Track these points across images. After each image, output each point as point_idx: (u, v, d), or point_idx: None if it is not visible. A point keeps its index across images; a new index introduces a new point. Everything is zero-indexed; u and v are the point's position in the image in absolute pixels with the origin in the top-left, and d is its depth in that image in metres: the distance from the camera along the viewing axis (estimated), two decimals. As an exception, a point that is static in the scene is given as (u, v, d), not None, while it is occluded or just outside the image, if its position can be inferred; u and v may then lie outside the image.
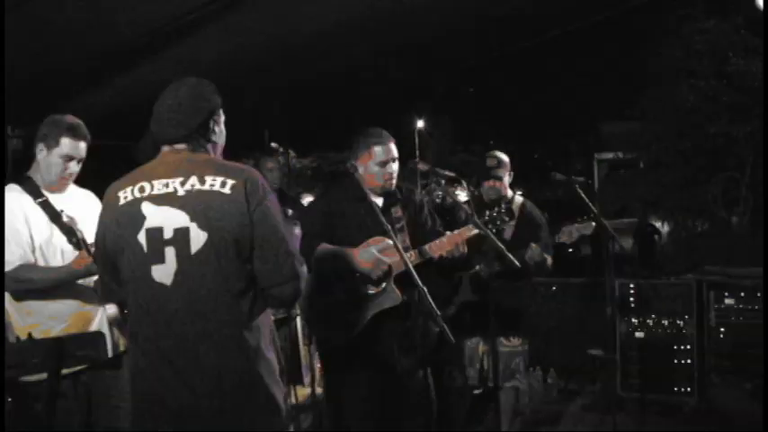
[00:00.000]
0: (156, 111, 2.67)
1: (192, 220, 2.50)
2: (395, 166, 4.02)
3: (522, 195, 5.08)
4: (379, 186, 4.01)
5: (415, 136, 9.91)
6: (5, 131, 4.25)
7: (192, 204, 2.51)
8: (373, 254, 3.80)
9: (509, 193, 4.89)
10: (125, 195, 2.60)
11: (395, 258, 3.70)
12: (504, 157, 4.87)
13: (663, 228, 7.71)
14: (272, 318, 3.05)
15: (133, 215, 2.56)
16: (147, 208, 2.55)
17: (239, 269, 2.53)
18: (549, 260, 4.79)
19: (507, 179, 4.85)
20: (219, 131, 2.74)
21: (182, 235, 2.51)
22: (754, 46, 7.10)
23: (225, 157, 2.79)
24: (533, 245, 4.53)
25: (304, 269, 2.68)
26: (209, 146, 2.69)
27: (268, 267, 2.54)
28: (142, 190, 2.58)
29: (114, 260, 2.64)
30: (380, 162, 3.97)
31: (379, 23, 5.99)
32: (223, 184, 2.52)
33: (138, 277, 2.56)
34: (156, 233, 2.53)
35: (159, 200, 2.55)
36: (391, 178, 4.02)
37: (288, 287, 2.59)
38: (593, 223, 4.53)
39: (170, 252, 2.51)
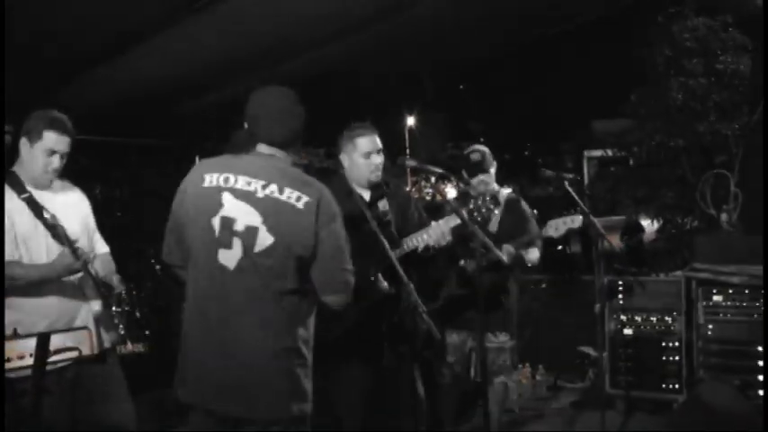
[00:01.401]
0: (264, 111, 2.91)
1: (264, 222, 2.77)
2: (380, 158, 4.03)
3: (512, 192, 5.09)
4: (365, 179, 4.01)
5: (405, 133, 9.90)
6: (4, 130, 4.24)
7: (267, 209, 2.78)
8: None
9: (496, 185, 4.92)
10: (210, 179, 2.86)
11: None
12: (486, 150, 4.90)
13: (652, 225, 7.72)
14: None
15: (213, 200, 2.83)
16: (226, 198, 2.81)
17: (296, 272, 2.78)
18: (537, 253, 4.81)
19: (493, 170, 4.87)
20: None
21: (251, 232, 2.77)
22: (744, 44, 7.12)
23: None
24: (505, 246, 4.59)
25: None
26: (296, 148, 3.02)
27: (325, 279, 2.84)
28: (227, 180, 2.84)
29: (183, 230, 2.91)
30: (365, 153, 3.98)
31: (371, 21, 5.99)
32: (298, 199, 2.78)
33: (203, 255, 2.84)
34: (229, 222, 2.79)
35: (239, 194, 2.81)
36: (377, 170, 4.02)
37: (340, 297, 2.92)
38: (581, 216, 4.53)
39: (237, 242, 2.77)
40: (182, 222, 2.91)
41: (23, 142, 3.54)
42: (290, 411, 2.81)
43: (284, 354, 2.79)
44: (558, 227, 4.58)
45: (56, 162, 3.57)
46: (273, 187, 2.79)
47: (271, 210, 2.77)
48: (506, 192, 5.00)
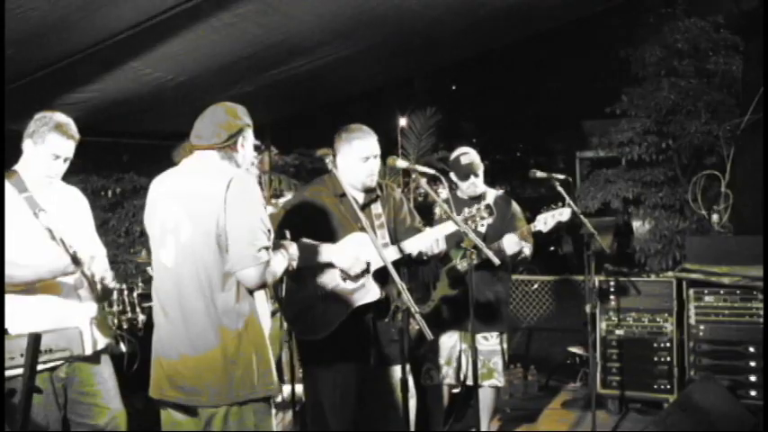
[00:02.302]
0: (198, 122, 3.18)
1: (185, 214, 3.02)
2: (376, 163, 3.98)
3: (501, 192, 5.10)
4: (360, 182, 3.97)
5: (397, 134, 9.92)
6: (4, 131, 4.21)
7: (186, 202, 3.04)
8: (352, 251, 3.78)
9: (483, 186, 4.93)
10: (156, 188, 3.21)
11: (373, 254, 3.69)
12: (475, 152, 4.94)
13: (644, 226, 7.75)
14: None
15: (155, 206, 3.17)
16: (162, 201, 3.14)
17: (220, 257, 2.97)
18: (528, 249, 4.81)
19: (481, 172, 4.90)
20: (246, 147, 3.22)
21: (178, 227, 3.04)
22: (735, 44, 7.16)
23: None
24: (507, 236, 4.60)
25: (276, 258, 3.10)
26: (237, 156, 3.17)
27: (232, 253, 2.95)
28: (164, 186, 3.18)
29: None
30: (362, 158, 3.93)
31: (364, 23, 5.98)
32: (211, 186, 2.98)
33: (154, 258, 3.16)
34: (164, 223, 3.09)
35: (170, 196, 3.12)
36: (372, 174, 3.97)
37: (250, 272, 2.95)
38: (569, 209, 4.54)
39: (170, 239, 3.06)
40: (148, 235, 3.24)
41: (28, 144, 3.52)
42: (234, 397, 2.98)
43: (222, 342, 2.97)
44: (546, 220, 4.58)
45: (59, 165, 3.56)
46: (194, 181, 3.06)
47: (189, 201, 3.02)
48: (494, 192, 5.02)
